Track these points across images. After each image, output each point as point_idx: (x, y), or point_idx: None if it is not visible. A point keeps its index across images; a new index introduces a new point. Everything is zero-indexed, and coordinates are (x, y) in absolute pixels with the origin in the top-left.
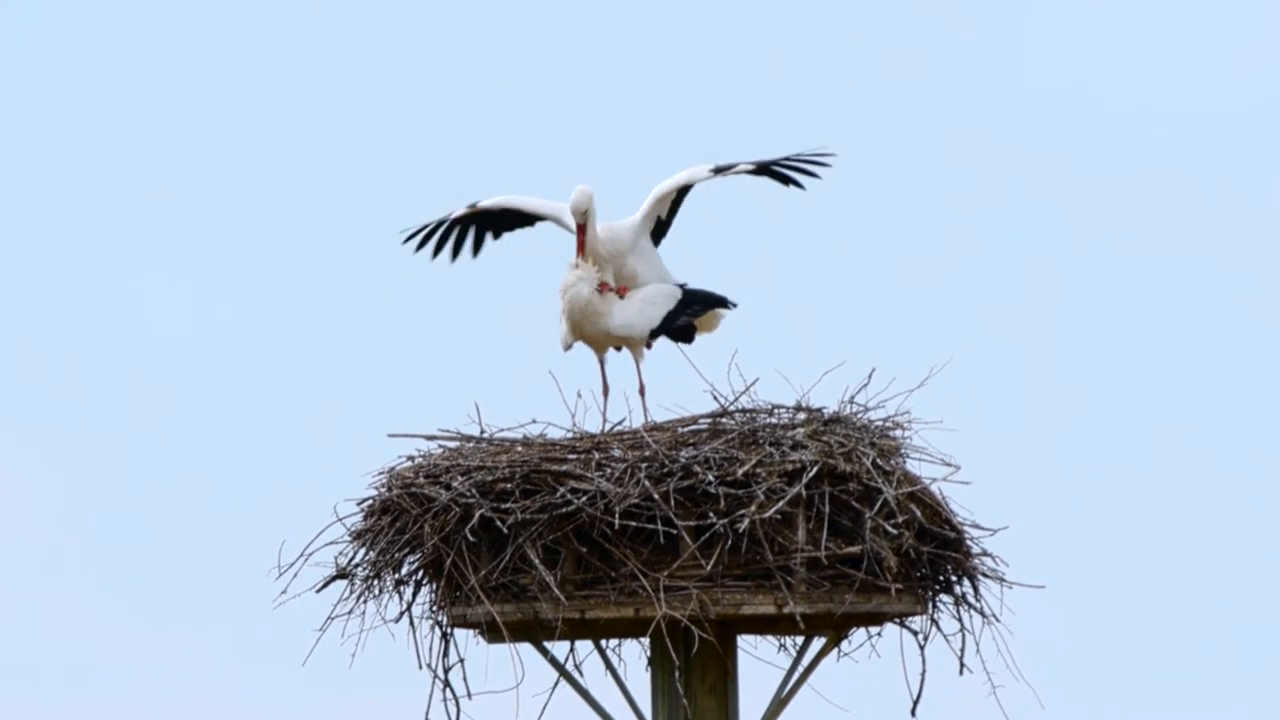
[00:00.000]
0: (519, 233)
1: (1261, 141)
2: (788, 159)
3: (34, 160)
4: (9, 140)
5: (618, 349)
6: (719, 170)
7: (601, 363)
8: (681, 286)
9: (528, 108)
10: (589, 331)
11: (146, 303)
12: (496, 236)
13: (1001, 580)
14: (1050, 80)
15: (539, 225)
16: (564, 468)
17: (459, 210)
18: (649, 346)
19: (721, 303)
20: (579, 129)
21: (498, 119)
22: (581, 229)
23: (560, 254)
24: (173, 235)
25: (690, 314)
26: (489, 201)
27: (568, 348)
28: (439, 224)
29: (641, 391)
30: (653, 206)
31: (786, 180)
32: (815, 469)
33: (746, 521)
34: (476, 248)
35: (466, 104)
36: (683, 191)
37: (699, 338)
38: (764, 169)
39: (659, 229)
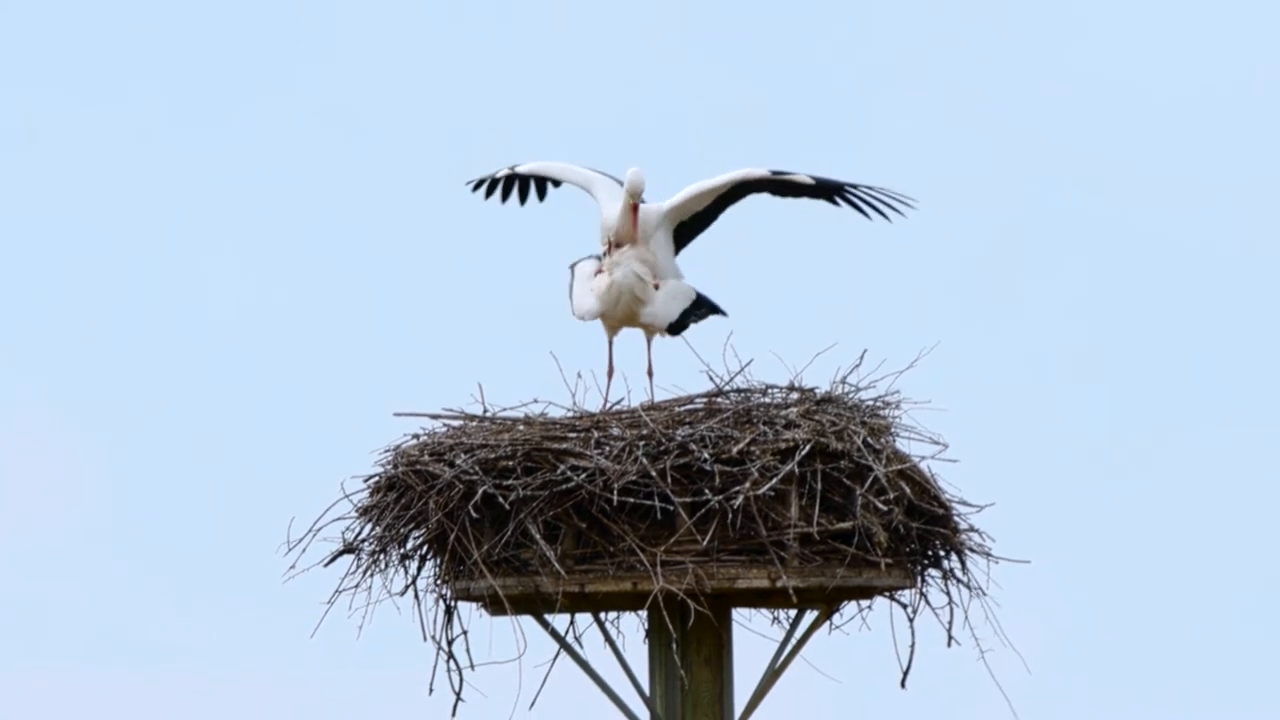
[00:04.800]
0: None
1: (1226, 130)
2: (870, 189)
3: (36, 155)
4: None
5: (613, 330)
6: (776, 174)
7: (611, 344)
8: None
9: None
10: (619, 313)
11: (156, 288)
12: (542, 196)
13: (988, 555)
14: (1044, 71)
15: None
16: (564, 446)
17: (501, 171)
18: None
19: (719, 311)
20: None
21: (522, 118)
22: (634, 209)
23: (574, 225)
24: (183, 223)
25: (697, 316)
26: (526, 167)
27: (583, 318)
28: (490, 179)
29: (650, 374)
30: (687, 201)
31: (858, 208)
32: (808, 447)
33: (741, 498)
34: (540, 195)
35: (482, 103)
36: (726, 199)
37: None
38: (825, 189)
39: (693, 230)
